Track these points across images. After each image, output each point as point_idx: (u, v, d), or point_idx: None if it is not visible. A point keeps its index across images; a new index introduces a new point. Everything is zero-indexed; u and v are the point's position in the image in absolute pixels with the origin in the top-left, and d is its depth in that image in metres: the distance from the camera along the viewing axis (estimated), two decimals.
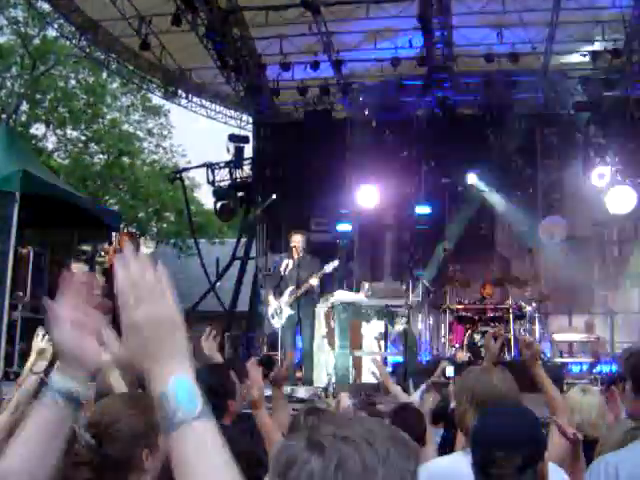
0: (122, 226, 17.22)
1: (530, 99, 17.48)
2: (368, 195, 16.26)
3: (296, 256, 11.04)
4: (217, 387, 3.70)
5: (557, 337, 15.11)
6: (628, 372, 3.02)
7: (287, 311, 10.89)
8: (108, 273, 11.77)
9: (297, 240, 11.16)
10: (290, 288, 10.91)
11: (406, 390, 6.39)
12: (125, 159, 29.72)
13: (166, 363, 1.49)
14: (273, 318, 11.15)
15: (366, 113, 17.13)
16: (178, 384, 1.47)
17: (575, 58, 16.41)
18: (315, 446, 1.39)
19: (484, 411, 2.99)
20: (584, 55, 15.90)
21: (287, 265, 11.09)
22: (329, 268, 10.90)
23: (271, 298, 11.24)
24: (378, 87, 17.13)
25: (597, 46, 15.71)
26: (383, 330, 11.59)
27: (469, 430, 3.17)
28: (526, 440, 2.68)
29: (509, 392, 3.32)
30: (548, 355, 14.15)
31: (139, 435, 2.60)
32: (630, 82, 16.29)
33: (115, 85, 29.01)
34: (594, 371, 12.77)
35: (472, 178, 16.94)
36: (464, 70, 16.96)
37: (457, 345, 13.88)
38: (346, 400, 5.58)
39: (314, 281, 10.78)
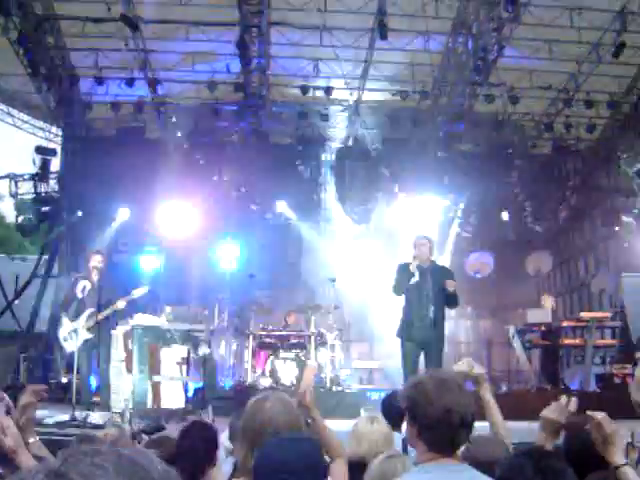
0: None
1: (341, 132, 18.03)
2: (177, 217, 16.15)
3: (96, 278, 10.61)
4: None
5: (357, 364, 15.50)
6: (404, 404, 3.11)
7: (84, 334, 10.41)
8: None
9: (98, 260, 10.70)
10: (89, 311, 10.47)
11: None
12: None
13: None
14: (66, 341, 10.60)
15: (179, 135, 16.97)
16: None
17: (386, 96, 17.06)
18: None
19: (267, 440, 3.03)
20: (394, 94, 16.56)
21: (84, 287, 10.45)
22: (138, 293, 10.65)
23: (66, 320, 10.63)
24: (193, 109, 17.04)
25: (407, 86, 16.41)
26: (185, 355, 11.43)
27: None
28: (302, 467, 2.76)
29: (269, 423, 3.34)
30: (348, 382, 14.48)
31: None
32: (436, 122, 17.15)
33: None
34: None
35: (281, 206, 17.26)
36: (279, 99, 17.23)
37: (260, 371, 13.93)
38: (121, 432, 5.33)
39: (121, 304, 10.45)
